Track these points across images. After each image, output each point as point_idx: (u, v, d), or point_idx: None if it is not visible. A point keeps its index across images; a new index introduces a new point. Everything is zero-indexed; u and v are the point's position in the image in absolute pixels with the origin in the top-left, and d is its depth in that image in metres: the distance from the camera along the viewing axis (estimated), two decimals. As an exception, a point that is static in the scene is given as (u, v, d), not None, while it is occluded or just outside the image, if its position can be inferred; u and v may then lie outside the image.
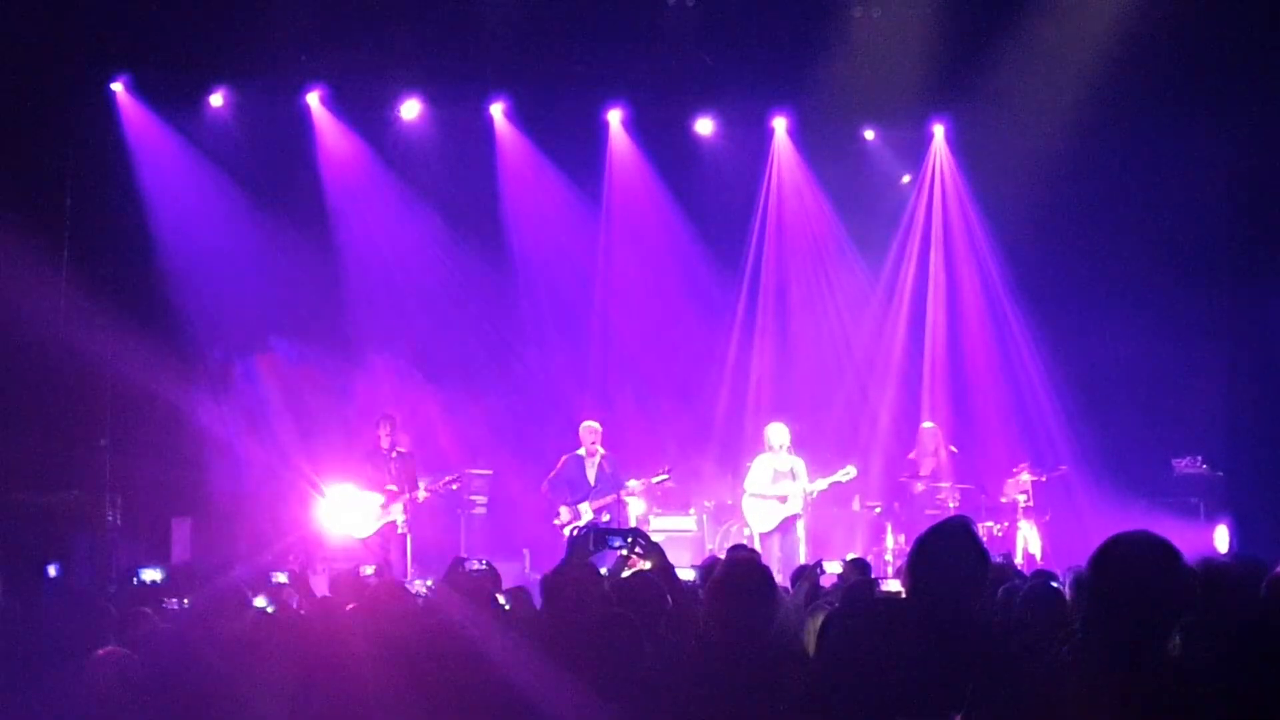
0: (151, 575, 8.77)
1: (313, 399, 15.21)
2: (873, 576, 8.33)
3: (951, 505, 13.86)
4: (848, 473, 13.82)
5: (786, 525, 13.68)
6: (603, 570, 6.91)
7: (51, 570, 11.04)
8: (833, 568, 8.84)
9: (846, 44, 14.60)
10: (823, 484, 13.77)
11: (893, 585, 9.17)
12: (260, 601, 7.37)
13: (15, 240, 13.41)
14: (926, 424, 14.73)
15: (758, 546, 13.19)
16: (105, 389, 13.85)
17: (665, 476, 13.75)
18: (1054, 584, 6.54)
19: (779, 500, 13.65)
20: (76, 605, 7.22)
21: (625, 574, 6.75)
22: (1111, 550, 3.64)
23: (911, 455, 14.61)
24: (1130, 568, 3.59)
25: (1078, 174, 15.24)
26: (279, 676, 5.62)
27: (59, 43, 13.30)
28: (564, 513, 13.57)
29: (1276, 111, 14.28)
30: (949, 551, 3.85)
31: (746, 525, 13.95)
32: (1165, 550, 3.61)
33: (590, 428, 13.85)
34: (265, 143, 14.99)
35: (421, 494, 13.36)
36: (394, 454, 13.37)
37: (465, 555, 11.50)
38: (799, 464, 13.78)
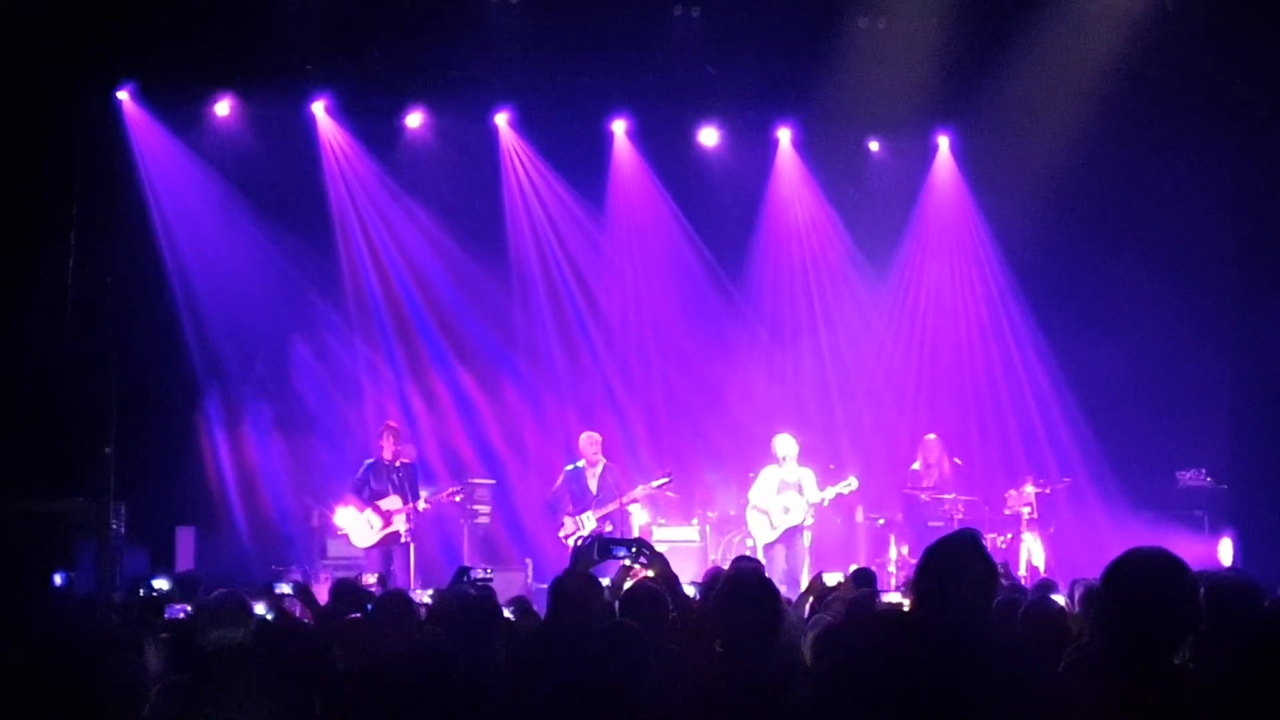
0: (160, 584, 8.80)
1: (316, 407, 15.22)
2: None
3: (958, 517, 13.87)
4: (849, 484, 13.79)
5: (789, 537, 13.64)
6: (605, 581, 6.90)
7: (57, 579, 11.06)
8: (832, 579, 8.83)
9: (851, 55, 14.61)
10: (826, 495, 13.73)
11: (893, 598, 9.17)
12: (261, 609, 7.37)
13: (21, 247, 13.45)
14: (929, 436, 14.72)
15: (761, 558, 13.18)
16: (110, 396, 13.85)
17: (666, 480, 13.69)
18: (1054, 597, 6.54)
19: (782, 511, 13.63)
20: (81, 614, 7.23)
21: (627, 584, 6.74)
22: (1125, 564, 3.66)
23: (915, 466, 14.60)
24: (1143, 582, 3.61)
25: (1082, 186, 15.25)
26: (280, 685, 5.62)
27: (65, 50, 13.32)
28: (568, 523, 13.56)
29: (1280, 124, 14.30)
30: (956, 565, 3.85)
31: (750, 536, 13.94)
32: (1178, 566, 3.63)
33: (590, 438, 13.83)
34: (270, 152, 14.99)
35: (422, 504, 13.35)
36: (397, 464, 13.37)
37: (468, 565, 11.52)
38: (807, 475, 13.74)
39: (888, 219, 16.51)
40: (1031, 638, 5.57)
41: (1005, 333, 16.15)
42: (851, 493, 13.90)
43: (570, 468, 13.83)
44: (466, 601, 6.75)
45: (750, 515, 13.82)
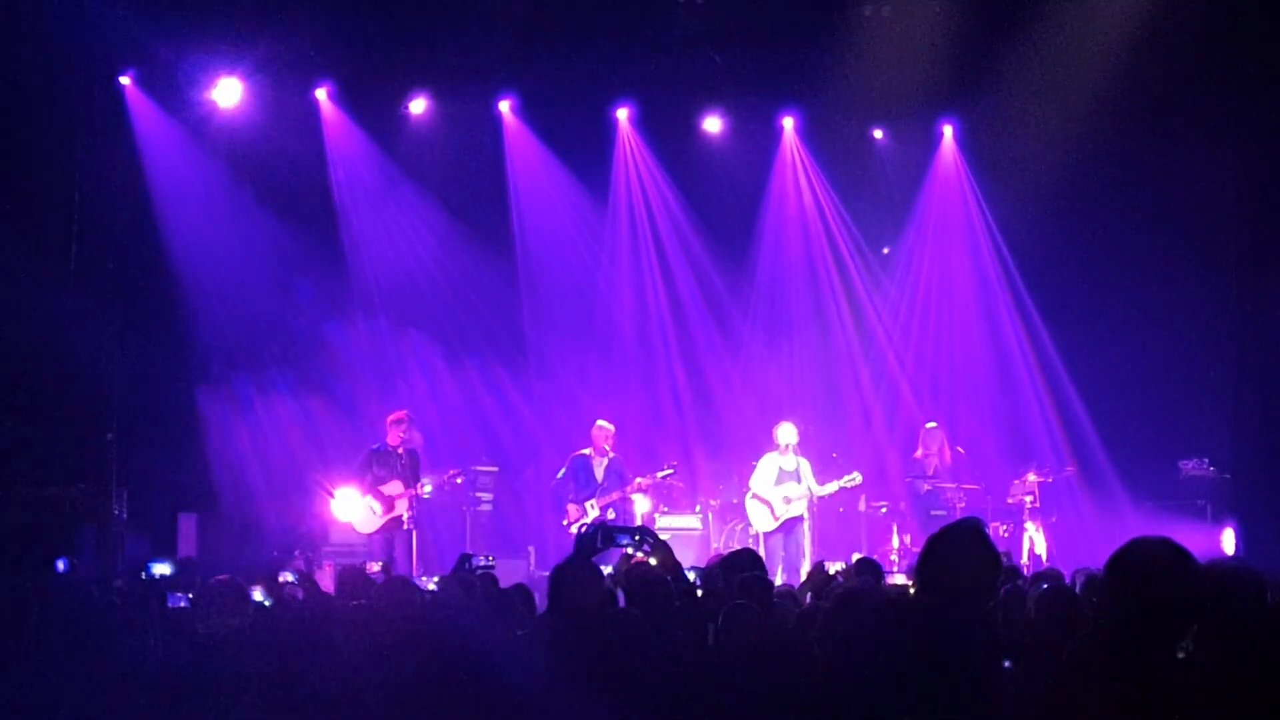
0: (161, 569, 8.81)
1: (316, 395, 15.20)
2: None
3: (960, 506, 13.86)
4: (853, 479, 13.79)
5: (789, 526, 13.64)
6: (607, 569, 6.89)
7: (60, 565, 11.06)
8: (833, 568, 8.82)
9: (856, 43, 14.58)
10: (829, 488, 13.73)
11: (899, 579, 9.16)
12: (259, 595, 7.37)
13: (24, 233, 13.43)
14: (929, 424, 14.71)
15: (761, 547, 13.19)
16: (112, 382, 13.86)
17: (670, 471, 13.74)
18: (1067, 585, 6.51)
19: (783, 501, 13.63)
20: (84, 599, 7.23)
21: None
22: (1130, 554, 3.64)
23: (917, 455, 14.59)
24: (1148, 572, 3.60)
25: (1086, 175, 15.21)
26: (277, 671, 5.61)
27: (67, 37, 13.29)
28: (571, 511, 13.57)
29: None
30: (960, 552, 3.84)
31: (751, 525, 13.94)
32: (1183, 557, 3.62)
33: (603, 428, 13.84)
34: (274, 138, 14.97)
35: (426, 489, 13.34)
36: (401, 450, 13.37)
37: (470, 552, 11.52)
38: (804, 464, 13.75)
39: (891, 207, 16.50)
40: (1042, 624, 5.56)
41: (1008, 321, 16.12)
42: (854, 487, 13.90)
43: (576, 456, 13.84)
44: (471, 589, 6.75)
45: (750, 504, 13.83)
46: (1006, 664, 4.42)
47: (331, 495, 13.52)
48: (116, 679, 5.63)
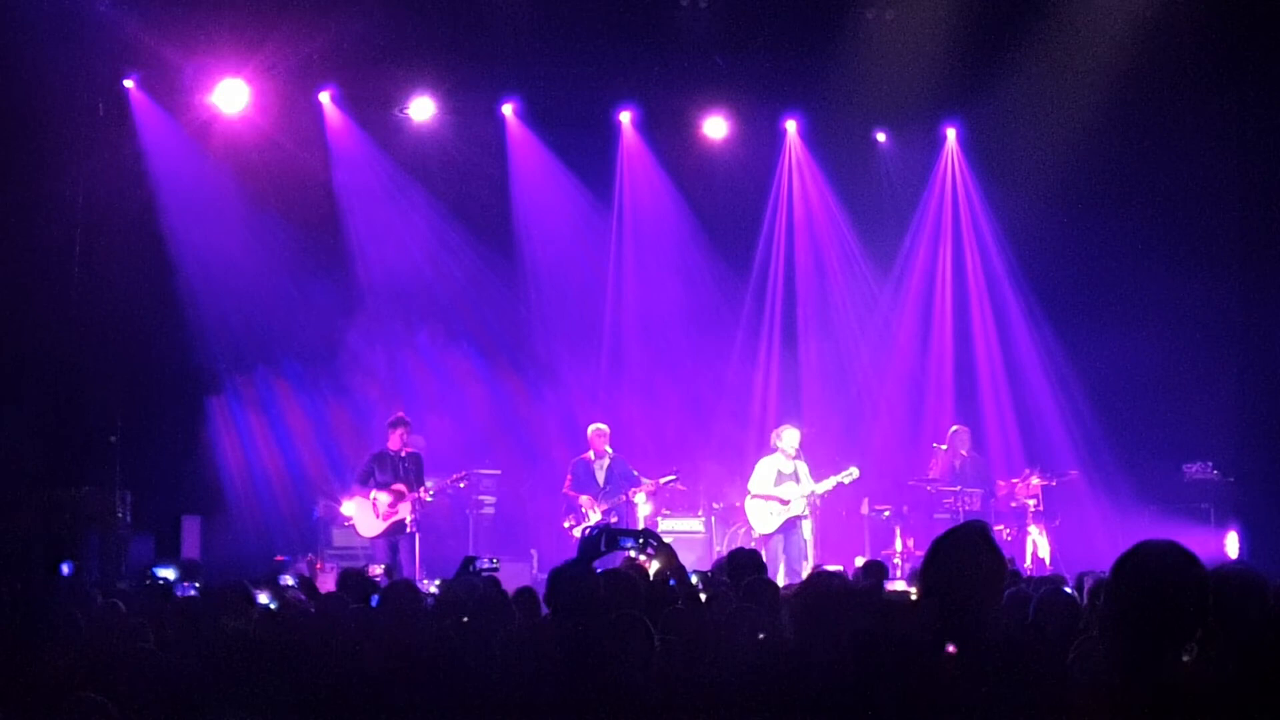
0: (165, 574, 8.82)
1: (320, 398, 15.21)
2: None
3: (963, 509, 13.85)
4: (850, 474, 13.79)
5: (789, 527, 13.65)
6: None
7: (65, 568, 11.07)
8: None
9: (859, 46, 14.60)
10: (826, 485, 13.74)
11: (899, 586, 9.15)
12: (264, 598, 7.37)
13: (28, 236, 13.44)
14: (955, 428, 14.66)
15: (761, 548, 13.18)
16: (116, 385, 13.86)
17: (673, 478, 13.75)
18: (1067, 590, 6.51)
19: (780, 502, 13.63)
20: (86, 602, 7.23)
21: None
22: (1135, 557, 3.63)
23: (938, 449, 14.51)
24: (1153, 575, 3.59)
25: (1089, 178, 15.23)
26: (283, 674, 5.60)
27: (71, 39, 13.31)
28: (585, 502, 13.59)
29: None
30: (965, 556, 3.83)
31: (752, 528, 13.94)
32: (1189, 560, 3.60)
33: (598, 430, 13.85)
34: (277, 142, 14.97)
35: (429, 495, 13.34)
36: (403, 454, 13.37)
37: (475, 555, 11.51)
38: (802, 466, 13.76)
39: (895, 210, 16.50)
40: (1043, 629, 5.56)
41: (1012, 325, 16.12)
42: (853, 482, 13.89)
43: (577, 460, 13.85)
44: (474, 592, 6.75)
45: (750, 505, 13.83)
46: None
47: (338, 504, 13.55)
48: (123, 681, 5.62)
